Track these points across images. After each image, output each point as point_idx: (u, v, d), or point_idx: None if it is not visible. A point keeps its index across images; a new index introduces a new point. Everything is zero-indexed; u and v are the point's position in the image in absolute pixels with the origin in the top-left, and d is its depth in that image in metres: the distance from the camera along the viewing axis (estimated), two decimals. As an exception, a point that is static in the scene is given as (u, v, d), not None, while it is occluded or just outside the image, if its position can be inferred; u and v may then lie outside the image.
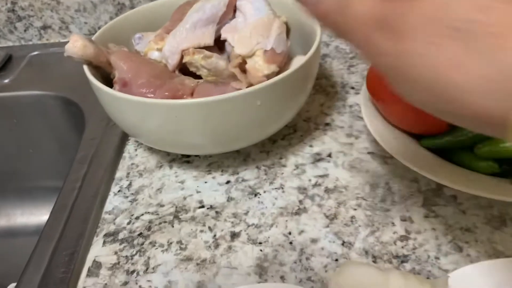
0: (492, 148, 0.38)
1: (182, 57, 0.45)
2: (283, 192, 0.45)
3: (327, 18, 0.21)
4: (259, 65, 0.43)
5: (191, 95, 0.44)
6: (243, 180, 0.47)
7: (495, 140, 0.38)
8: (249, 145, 0.49)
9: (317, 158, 0.48)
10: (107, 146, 0.52)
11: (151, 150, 0.52)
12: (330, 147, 0.49)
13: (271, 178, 0.46)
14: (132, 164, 0.50)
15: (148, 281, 0.38)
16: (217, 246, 0.41)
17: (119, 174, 0.49)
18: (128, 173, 0.49)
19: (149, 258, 0.40)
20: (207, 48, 0.46)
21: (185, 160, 0.50)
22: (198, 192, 0.46)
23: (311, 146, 0.50)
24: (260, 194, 0.45)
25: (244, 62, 0.44)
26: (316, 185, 0.45)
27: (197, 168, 0.49)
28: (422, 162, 0.40)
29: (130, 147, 0.53)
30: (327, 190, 0.44)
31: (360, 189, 0.44)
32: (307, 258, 0.39)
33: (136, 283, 0.38)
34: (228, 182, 0.47)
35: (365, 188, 0.44)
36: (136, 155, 0.52)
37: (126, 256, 0.41)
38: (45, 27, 0.75)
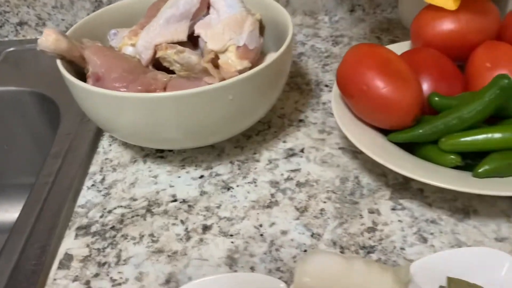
0: (455, 141, 0.39)
1: (155, 52, 0.45)
2: (256, 186, 0.45)
3: None
4: (232, 61, 0.44)
5: (164, 89, 0.44)
6: (217, 174, 0.47)
7: (458, 134, 0.39)
8: (223, 140, 0.49)
9: (290, 153, 0.49)
10: (82, 141, 0.52)
11: (125, 145, 0.52)
12: (303, 142, 0.50)
13: (244, 173, 0.47)
14: (106, 159, 0.51)
15: (119, 272, 0.39)
16: (188, 238, 0.41)
17: (93, 168, 0.49)
18: (102, 168, 0.49)
19: (120, 250, 0.40)
20: (180, 43, 0.46)
21: (159, 155, 0.50)
22: (171, 186, 0.46)
23: (284, 141, 0.51)
24: (233, 188, 0.45)
25: (217, 57, 0.44)
26: (288, 179, 0.46)
27: (170, 163, 0.49)
28: (390, 156, 0.41)
29: (104, 142, 0.53)
30: (298, 184, 0.45)
31: (330, 183, 0.45)
32: (276, 250, 0.39)
33: (107, 275, 0.38)
34: (201, 176, 0.47)
35: (335, 181, 0.45)
36: (110, 150, 0.52)
37: (98, 248, 0.41)
38: (21, 23, 0.74)
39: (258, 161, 0.48)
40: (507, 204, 0.41)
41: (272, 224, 0.42)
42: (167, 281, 0.38)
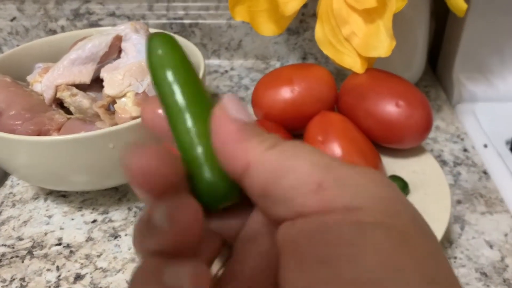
0: None
1: (56, 92, 0.45)
2: (144, 236, 0.44)
3: None
4: (128, 107, 0.43)
5: (58, 130, 0.44)
6: (110, 220, 0.46)
7: None
8: (126, 183, 0.48)
9: (193, 204, 0.47)
10: (-9, 173, 0.52)
11: (34, 180, 0.51)
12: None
13: (138, 221, 0.46)
14: (10, 193, 0.50)
15: (-27, 318, 0.37)
16: (57, 287, 0.40)
17: (-7, 202, 0.49)
18: (2, 203, 0.49)
19: (-16, 294, 0.39)
20: (85, 85, 0.46)
21: (62, 194, 0.49)
22: (61, 228, 0.45)
23: (192, 190, 0.49)
24: (121, 237, 0.44)
25: (114, 102, 0.44)
26: (180, 232, 0.44)
27: (70, 204, 0.48)
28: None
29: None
30: (187, 239, 0.44)
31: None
32: (140, 309, 0.38)
33: (-40, 320, 0.37)
34: (94, 221, 0.46)
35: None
36: (18, 184, 0.51)
37: (-36, 289, 0.40)
38: (-20, 46, 0.75)
39: (157, 209, 0.47)
40: None
41: (145, 280, 0.40)
42: (17, 333, 0.36)
